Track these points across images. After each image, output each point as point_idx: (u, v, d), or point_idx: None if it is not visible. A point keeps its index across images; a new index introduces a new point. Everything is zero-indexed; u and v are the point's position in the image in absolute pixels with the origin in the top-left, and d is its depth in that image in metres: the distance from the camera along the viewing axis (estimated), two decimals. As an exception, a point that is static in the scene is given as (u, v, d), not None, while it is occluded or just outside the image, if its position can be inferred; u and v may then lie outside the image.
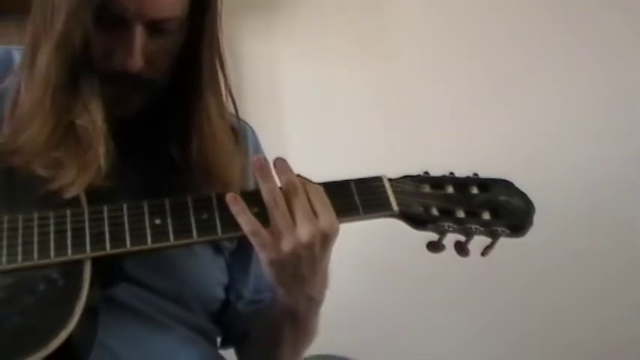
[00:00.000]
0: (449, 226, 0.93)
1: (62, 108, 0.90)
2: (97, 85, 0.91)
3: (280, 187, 0.89)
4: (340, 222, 0.89)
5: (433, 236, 0.94)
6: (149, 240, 0.86)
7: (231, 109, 1.04)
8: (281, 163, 0.90)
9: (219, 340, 1.12)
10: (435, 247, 0.94)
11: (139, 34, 0.89)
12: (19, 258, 0.83)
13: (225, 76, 1.00)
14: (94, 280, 0.83)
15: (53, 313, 0.80)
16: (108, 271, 0.87)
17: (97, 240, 0.85)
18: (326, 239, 0.88)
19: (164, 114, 0.98)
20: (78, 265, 0.83)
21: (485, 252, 0.95)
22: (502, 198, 0.96)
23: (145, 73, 0.91)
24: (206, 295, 1.03)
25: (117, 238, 0.85)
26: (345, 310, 1.57)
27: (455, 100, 2.06)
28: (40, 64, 0.90)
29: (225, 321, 1.09)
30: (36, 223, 0.85)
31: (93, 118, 0.90)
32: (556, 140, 1.97)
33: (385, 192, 0.93)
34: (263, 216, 0.87)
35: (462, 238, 0.94)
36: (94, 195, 0.88)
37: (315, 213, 0.88)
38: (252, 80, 2.18)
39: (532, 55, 2.03)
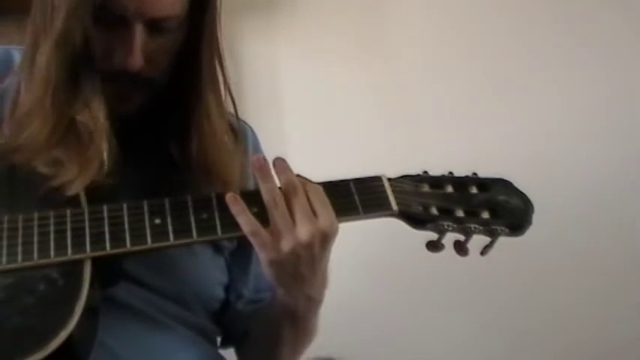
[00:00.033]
0: (448, 226, 0.93)
1: (63, 106, 0.90)
2: (99, 83, 0.91)
3: (280, 187, 0.89)
4: (340, 222, 0.89)
5: (432, 236, 0.94)
6: (149, 240, 0.86)
7: (231, 109, 1.04)
8: (280, 163, 0.90)
9: (219, 339, 1.12)
10: (434, 246, 0.94)
11: (139, 33, 0.90)
12: (19, 258, 0.83)
13: (224, 75, 1.00)
14: (94, 280, 0.83)
15: (53, 313, 0.80)
16: (108, 270, 0.87)
17: (97, 240, 0.85)
18: (325, 239, 0.88)
19: (164, 113, 0.98)
20: (78, 265, 0.83)
21: (484, 251, 0.96)
22: (501, 197, 0.97)
23: (144, 72, 0.91)
24: (206, 295, 1.03)
25: (117, 238, 0.85)
26: (344, 309, 1.57)
27: (455, 100, 2.06)
28: (40, 63, 0.90)
29: (225, 321, 1.09)
30: (36, 223, 0.85)
31: (95, 115, 0.90)
32: (556, 140, 1.97)
33: (384, 191, 0.93)
34: (263, 216, 0.88)
35: (462, 238, 0.95)
36: (94, 194, 0.88)
37: (314, 213, 0.88)
38: (252, 80, 2.18)
39: (532, 55, 2.03)
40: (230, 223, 0.87)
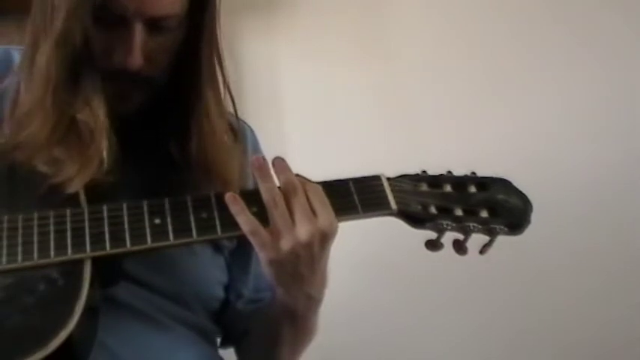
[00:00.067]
0: (447, 225, 0.93)
1: (64, 105, 0.90)
2: (99, 82, 0.91)
3: (279, 187, 0.89)
4: (339, 221, 0.90)
5: (431, 235, 0.94)
6: (149, 239, 0.86)
7: (231, 108, 1.04)
8: (280, 163, 0.90)
9: (218, 340, 1.12)
10: (433, 245, 0.94)
11: (139, 32, 0.90)
12: (19, 258, 0.83)
13: (223, 73, 1.00)
14: (94, 280, 0.84)
15: (53, 313, 0.80)
16: (108, 270, 0.87)
17: (97, 240, 0.85)
18: (325, 238, 0.88)
19: (163, 112, 0.98)
20: (78, 264, 0.84)
21: (483, 250, 0.96)
22: (500, 196, 0.97)
23: (144, 71, 0.91)
24: (206, 294, 1.03)
25: (117, 238, 0.85)
26: (344, 308, 1.57)
27: (455, 100, 2.06)
28: (40, 62, 0.90)
29: (225, 320, 1.09)
30: (36, 222, 0.85)
31: (95, 113, 0.90)
32: (556, 140, 1.97)
33: (384, 191, 0.93)
34: (262, 215, 0.88)
35: (461, 237, 0.95)
36: (94, 192, 0.88)
37: (314, 212, 0.88)
38: (252, 80, 2.18)
39: (532, 55, 2.03)
40: (230, 222, 0.87)
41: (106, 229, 0.85)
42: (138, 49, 0.90)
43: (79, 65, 0.90)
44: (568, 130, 1.96)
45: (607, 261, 1.91)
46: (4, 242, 0.84)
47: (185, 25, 0.95)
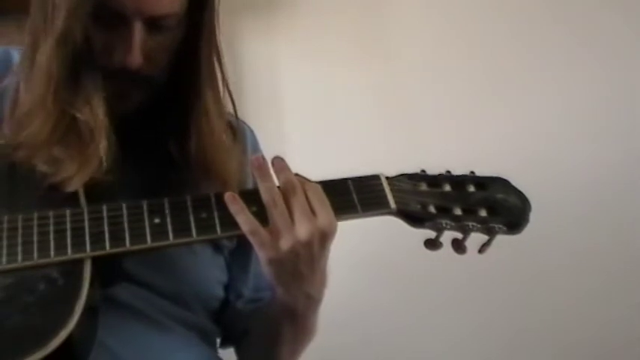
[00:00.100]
0: (446, 224, 0.93)
1: (64, 104, 0.90)
2: (100, 80, 0.91)
3: (278, 186, 0.89)
4: (338, 220, 0.90)
5: (431, 234, 0.95)
6: (149, 239, 0.86)
7: (230, 108, 1.04)
8: (279, 162, 0.90)
9: (218, 340, 1.12)
10: (432, 244, 0.95)
11: (138, 31, 0.90)
12: (19, 258, 0.83)
13: (223, 72, 1.00)
14: (93, 280, 0.84)
15: (53, 313, 0.80)
16: (108, 270, 0.87)
17: (97, 239, 0.85)
18: (324, 237, 0.88)
19: (163, 111, 0.98)
20: (78, 264, 0.84)
21: (482, 249, 0.96)
22: (499, 196, 0.97)
23: (143, 70, 0.91)
24: (206, 294, 1.04)
25: (116, 238, 0.85)
26: (343, 308, 1.57)
27: (455, 100, 2.06)
28: (40, 62, 0.90)
29: (225, 320, 1.09)
30: (35, 222, 0.85)
31: (95, 112, 0.90)
32: (556, 140, 1.97)
33: (383, 190, 0.93)
34: (262, 215, 0.88)
35: (460, 236, 0.95)
36: (93, 191, 0.88)
37: (313, 211, 0.88)
38: (252, 80, 2.18)
39: (532, 55, 2.03)
40: (229, 222, 0.87)
41: (106, 228, 0.86)
42: (137, 48, 0.90)
43: (80, 64, 0.90)
44: (568, 130, 1.96)
45: (607, 261, 1.91)
46: (4, 242, 0.84)
47: (184, 24, 0.95)
